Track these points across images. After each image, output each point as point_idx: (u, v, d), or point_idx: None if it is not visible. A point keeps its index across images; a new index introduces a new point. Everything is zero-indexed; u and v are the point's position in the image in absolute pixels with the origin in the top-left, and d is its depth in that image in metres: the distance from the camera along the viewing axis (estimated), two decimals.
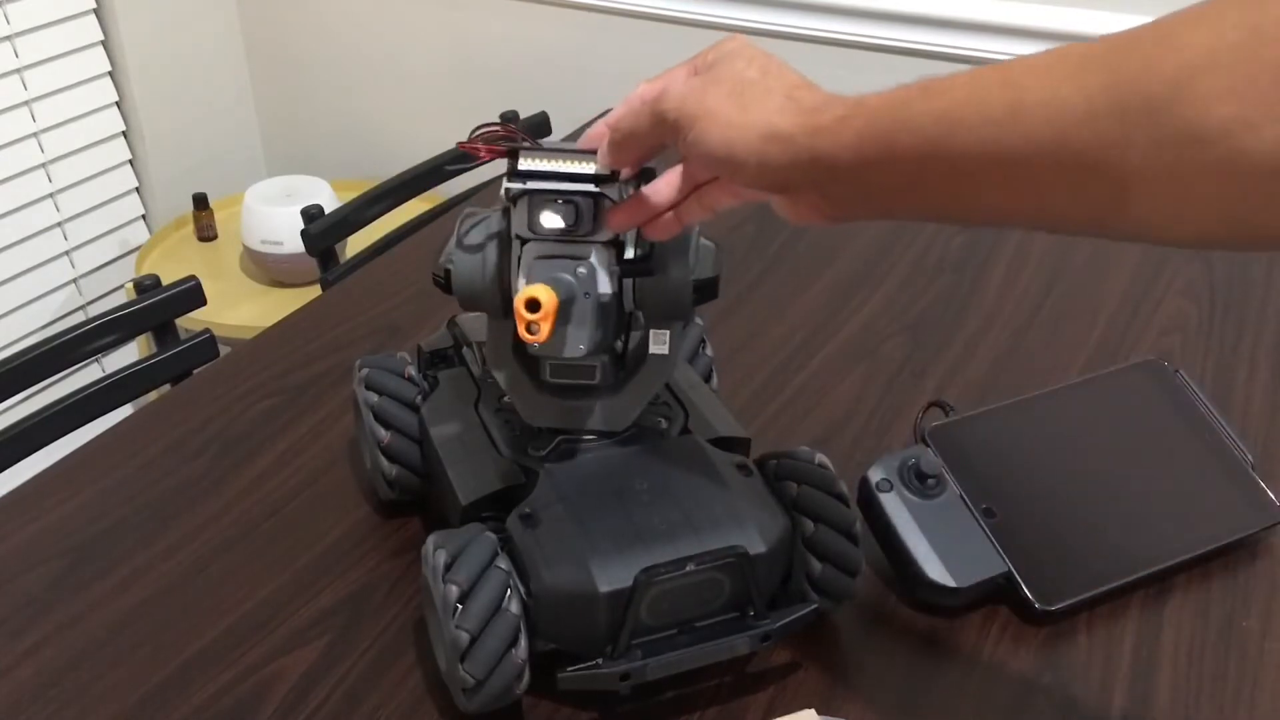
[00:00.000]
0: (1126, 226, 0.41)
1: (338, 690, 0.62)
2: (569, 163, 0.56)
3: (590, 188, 0.56)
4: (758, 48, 0.53)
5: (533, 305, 0.51)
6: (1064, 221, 0.43)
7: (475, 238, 0.60)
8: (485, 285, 0.60)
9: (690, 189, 0.57)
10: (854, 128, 0.46)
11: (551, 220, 0.56)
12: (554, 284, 0.54)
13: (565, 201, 0.56)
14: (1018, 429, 0.73)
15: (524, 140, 0.56)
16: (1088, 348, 0.91)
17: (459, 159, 0.58)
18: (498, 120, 0.57)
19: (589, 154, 0.56)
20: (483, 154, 0.56)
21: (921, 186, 0.46)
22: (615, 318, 0.60)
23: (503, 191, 0.56)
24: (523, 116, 1.47)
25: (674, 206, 0.57)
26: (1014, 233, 1.08)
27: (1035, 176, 0.42)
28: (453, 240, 0.61)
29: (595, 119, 0.59)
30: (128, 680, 0.62)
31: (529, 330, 0.52)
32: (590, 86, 1.69)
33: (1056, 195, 0.42)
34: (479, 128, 0.56)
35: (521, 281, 0.57)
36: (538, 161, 0.56)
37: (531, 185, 0.56)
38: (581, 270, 0.57)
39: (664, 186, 0.56)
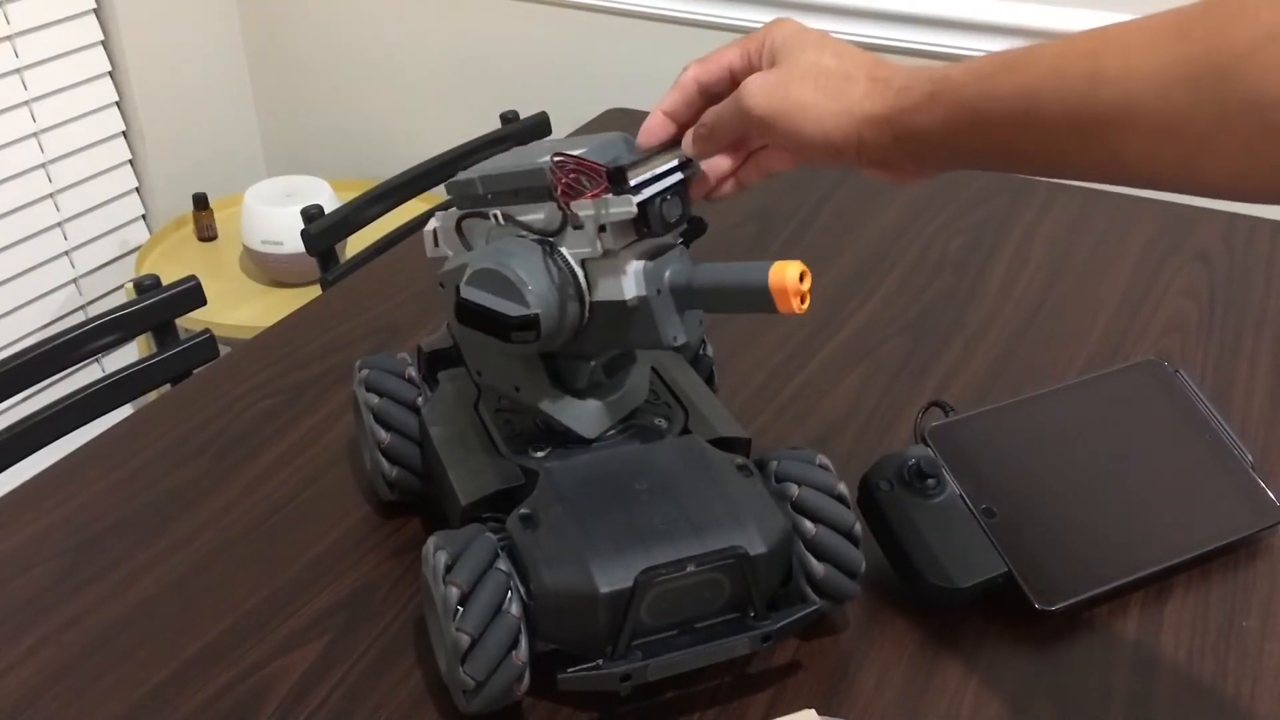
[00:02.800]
0: (1198, 183, 0.44)
1: (338, 690, 0.62)
2: (655, 164, 0.57)
3: (680, 176, 0.58)
4: (814, 30, 0.55)
5: (803, 277, 0.52)
6: (1139, 177, 0.46)
7: (545, 274, 0.58)
8: (569, 317, 0.59)
9: (745, 155, 0.60)
10: (943, 103, 0.49)
11: (671, 215, 0.57)
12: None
13: (673, 195, 0.57)
14: (1018, 429, 0.73)
15: (606, 167, 0.56)
16: (1088, 348, 0.91)
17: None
18: (563, 161, 0.57)
19: (663, 151, 0.58)
20: (588, 198, 0.56)
21: (1009, 150, 0.49)
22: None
23: (634, 209, 0.55)
24: (523, 116, 1.47)
25: (734, 172, 0.60)
26: (1014, 232, 1.08)
27: (1113, 140, 0.45)
28: (520, 283, 0.57)
29: (596, 118, 0.60)
30: (128, 680, 0.62)
31: (803, 302, 0.52)
32: (590, 86, 1.69)
33: (1133, 156, 0.45)
34: (555, 177, 0.57)
35: (632, 290, 0.56)
36: (637, 173, 0.56)
37: (645, 194, 0.56)
38: (684, 254, 0.58)
39: (721, 156, 0.59)
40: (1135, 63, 0.43)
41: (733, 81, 0.57)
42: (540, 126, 1.46)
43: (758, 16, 1.53)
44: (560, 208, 0.57)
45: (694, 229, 0.61)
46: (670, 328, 0.57)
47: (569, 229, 0.58)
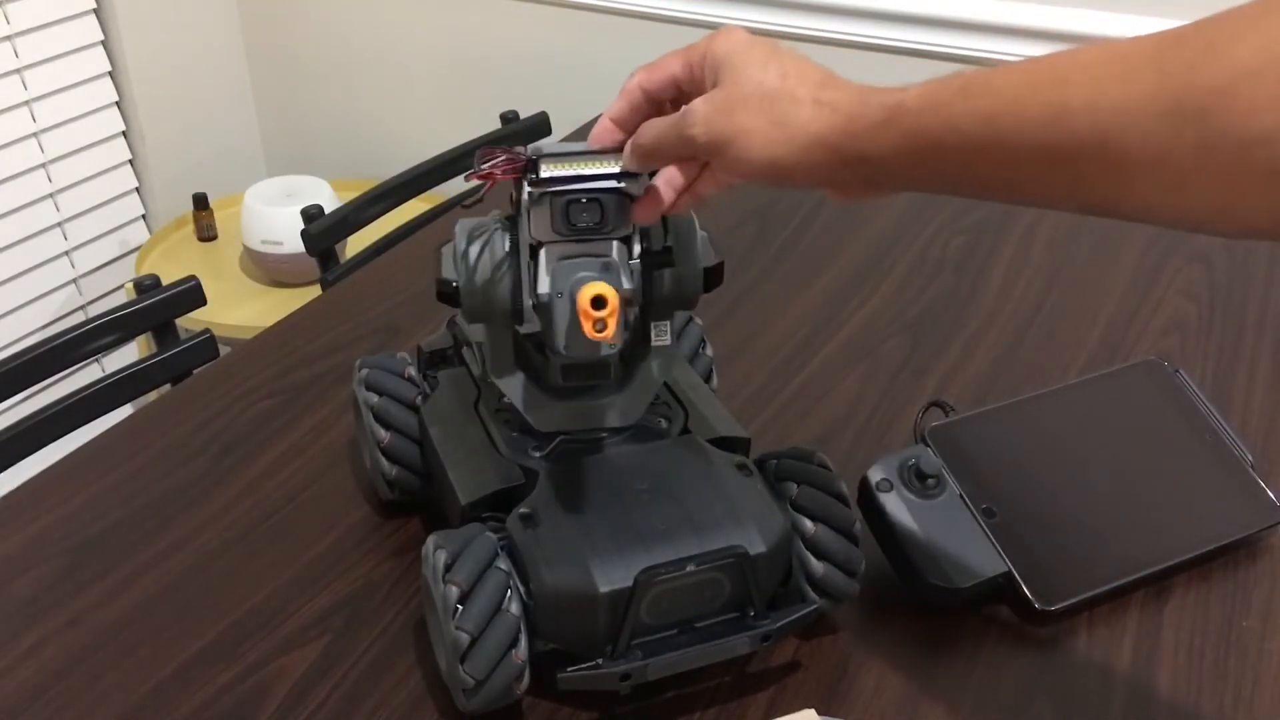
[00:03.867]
0: (1172, 217, 0.42)
1: (338, 690, 0.62)
2: (588, 164, 0.56)
3: (613, 184, 0.56)
4: (760, 41, 0.53)
5: (599, 302, 0.51)
6: (1110, 209, 0.44)
7: (481, 248, 0.60)
8: (496, 295, 0.60)
9: (700, 167, 0.57)
10: (896, 130, 0.47)
11: (580, 219, 0.56)
12: (605, 280, 0.54)
13: (590, 200, 0.56)
14: (1018, 429, 0.73)
15: (530, 154, 0.56)
16: (1088, 348, 0.91)
17: (471, 184, 0.58)
18: (498, 146, 0.57)
19: (605, 153, 0.56)
20: (497, 178, 0.56)
21: (968, 178, 0.47)
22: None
23: (525, 196, 0.56)
24: (523, 116, 1.47)
25: (690, 184, 0.57)
26: (1014, 232, 1.08)
27: (1081, 171, 0.43)
28: (456, 251, 0.60)
29: (596, 119, 0.59)
30: (128, 680, 0.62)
31: (597, 328, 0.51)
32: (590, 86, 1.69)
33: (1102, 188, 0.43)
34: (482, 155, 0.56)
35: (544, 286, 0.57)
36: (557, 167, 0.56)
37: (552, 188, 0.56)
38: (609, 266, 0.57)
39: (675, 170, 0.57)
40: (1106, 93, 0.41)
41: (677, 89, 0.56)
42: (540, 126, 1.46)
43: (757, 17, 1.53)
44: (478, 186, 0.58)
45: (660, 259, 0.59)
46: (559, 336, 0.56)
47: (522, 213, 0.58)
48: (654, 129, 0.54)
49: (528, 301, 0.59)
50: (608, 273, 0.56)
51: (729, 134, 0.51)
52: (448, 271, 0.61)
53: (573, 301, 0.55)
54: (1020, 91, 0.44)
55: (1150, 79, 0.40)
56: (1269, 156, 0.38)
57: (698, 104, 0.52)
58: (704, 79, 0.54)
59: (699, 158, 0.54)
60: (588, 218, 0.56)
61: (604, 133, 0.57)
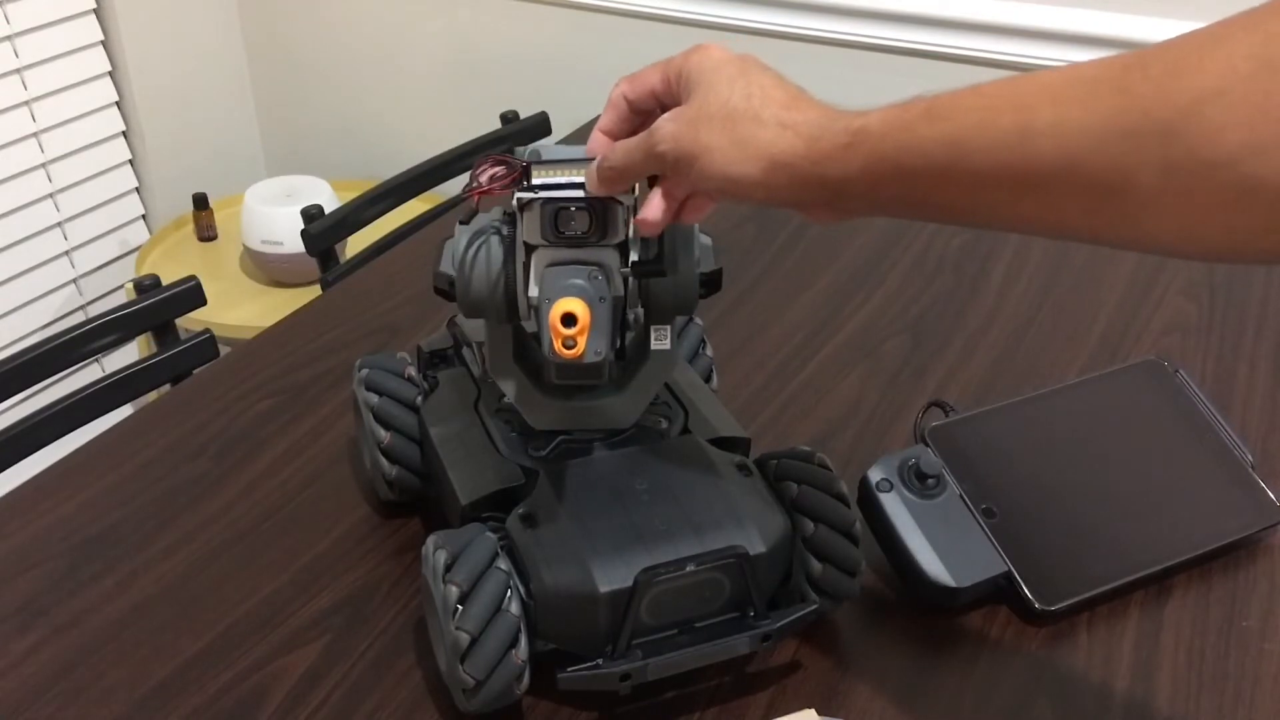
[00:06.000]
0: (1138, 240, 0.42)
1: (338, 690, 0.62)
2: (579, 172, 0.56)
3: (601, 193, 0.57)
4: (734, 59, 0.53)
5: (569, 320, 0.52)
6: (1076, 232, 0.44)
7: (478, 245, 0.60)
8: (491, 292, 0.60)
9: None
10: (860, 154, 0.47)
11: (568, 227, 0.56)
12: (582, 295, 0.55)
13: (579, 209, 0.56)
14: (1018, 429, 0.73)
15: (528, 157, 0.56)
16: (1088, 348, 0.91)
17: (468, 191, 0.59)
18: (490, 156, 0.57)
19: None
20: (496, 192, 0.56)
21: (933, 202, 0.47)
22: (621, 317, 0.60)
23: (514, 201, 0.56)
24: (523, 116, 1.47)
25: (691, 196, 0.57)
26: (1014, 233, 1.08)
27: (1047, 194, 0.42)
28: (454, 247, 0.61)
29: (596, 119, 0.59)
30: (128, 680, 0.62)
31: (566, 345, 0.52)
32: (590, 86, 1.68)
33: (1068, 211, 0.43)
34: (476, 166, 0.56)
35: (534, 290, 0.57)
36: (549, 174, 0.56)
37: (544, 195, 0.56)
38: (597, 275, 0.57)
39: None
40: (1070, 115, 0.41)
41: (656, 101, 0.57)
42: (540, 126, 1.46)
43: (757, 16, 1.53)
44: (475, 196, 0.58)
45: (651, 269, 0.59)
46: (545, 342, 0.56)
47: (520, 216, 0.58)
48: (622, 148, 0.54)
49: (524, 300, 0.59)
50: (593, 281, 0.56)
51: (694, 151, 0.51)
52: (445, 266, 0.61)
53: None
54: (984, 115, 0.44)
55: (1115, 100, 0.40)
56: (1235, 176, 0.38)
57: (664, 121, 0.53)
58: (679, 93, 0.54)
59: (668, 174, 0.54)
60: (576, 225, 0.56)
61: (597, 146, 0.58)
